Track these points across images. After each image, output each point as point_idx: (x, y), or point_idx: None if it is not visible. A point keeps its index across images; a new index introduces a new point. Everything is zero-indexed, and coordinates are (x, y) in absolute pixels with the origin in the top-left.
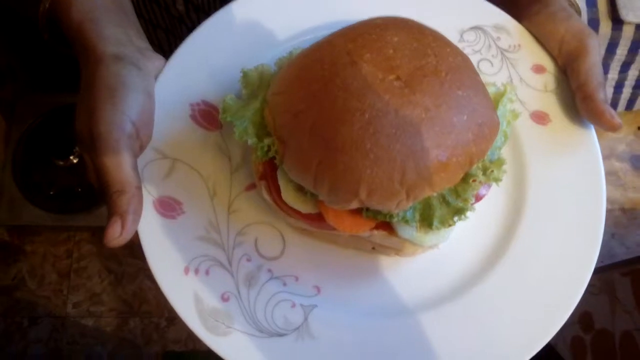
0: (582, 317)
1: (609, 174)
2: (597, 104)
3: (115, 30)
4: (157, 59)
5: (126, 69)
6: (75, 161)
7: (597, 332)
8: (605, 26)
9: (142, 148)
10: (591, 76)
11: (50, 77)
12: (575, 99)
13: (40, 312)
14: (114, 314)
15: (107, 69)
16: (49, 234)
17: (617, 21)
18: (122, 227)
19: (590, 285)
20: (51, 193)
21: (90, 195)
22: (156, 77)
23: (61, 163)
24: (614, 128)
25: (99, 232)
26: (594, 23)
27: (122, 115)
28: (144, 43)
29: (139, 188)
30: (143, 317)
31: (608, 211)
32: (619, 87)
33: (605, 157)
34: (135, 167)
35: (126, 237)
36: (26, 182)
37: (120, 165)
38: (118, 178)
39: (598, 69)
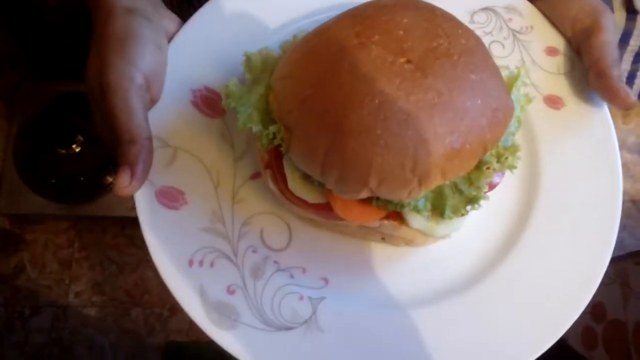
0: (593, 308)
1: None
2: (612, 81)
3: None
4: (171, 17)
5: (137, 21)
6: (77, 150)
7: (609, 322)
8: (620, 16)
9: (153, 101)
10: (605, 53)
11: (53, 64)
12: (589, 76)
13: (42, 301)
14: (116, 304)
15: (118, 21)
16: (50, 223)
17: (631, 11)
18: (132, 176)
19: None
20: (53, 181)
21: (92, 184)
22: (169, 39)
23: (63, 151)
24: (628, 106)
25: (100, 221)
26: None
27: (132, 66)
28: (157, 0)
29: (149, 139)
30: (145, 307)
31: None
32: (631, 77)
33: None
34: (145, 118)
35: (135, 186)
36: (28, 170)
37: (130, 115)
38: (128, 128)
39: (612, 46)
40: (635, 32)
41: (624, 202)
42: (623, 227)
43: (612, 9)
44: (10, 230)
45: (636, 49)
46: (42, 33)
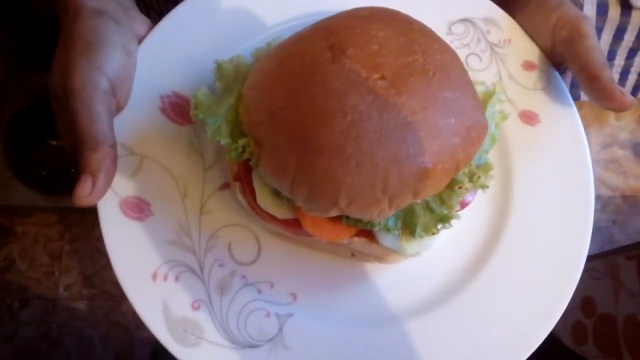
0: (584, 302)
1: (611, 161)
2: (605, 83)
3: None
4: (142, 20)
5: (105, 23)
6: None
7: (599, 316)
8: (614, 11)
9: (119, 108)
10: (593, 56)
11: (45, 55)
12: (580, 83)
13: (31, 294)
14: (106, 297)
15: (85, 22)
16: (40, 215)
17: (626, 6)
18: (93, 185)
19: (592, 269)
20: (43, 173)
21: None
22: (140, 41)
23: (54, 143)
24: (625, 106)
25: (90, 214)
26: (603, 8)
27: (97, 70)
28: (129, 1)
29: (113, 147)
30: None
31: (609, 198)
32: (624, 73)
33: (607, 145)
34: (110, 125)
35: (96, 196)
36: (18, 162)
37: (94, 121)
38: (90, 135)
39: (598, 50)
40: (630, 28)
41: (614, 197)
42: (613, 222)
43: (607, 4)
44: (0, 222)
45: (630, 44)
46: (33, 24)
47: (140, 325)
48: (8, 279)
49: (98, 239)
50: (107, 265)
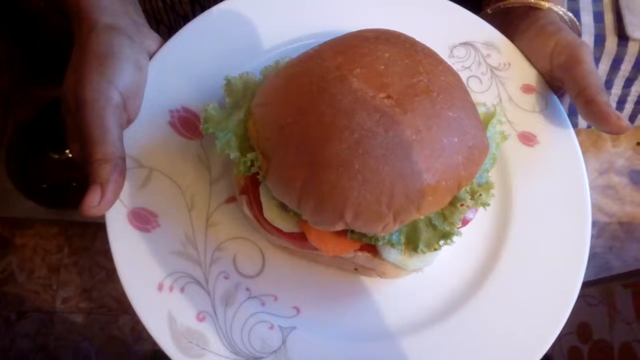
0: (579, 328)
1: (608, 187)
2: (602, 107)
3: (112, 2)
4: (153, 37)
5: (118, 39)
6: (70, 155)
7: (595, 342)
8: (611, 42)
9: (129, 121)
10: (590, 81)
11: (49, 69)
12: (577, 107)
13: (29, 306)
14: (104, 311)
15: (99, 37)
16: (40, 228)
17: (623, 37)
18: (102, 196)
19: (588, 296)
20: (44, 186)
21: (84, 190)
22: (151, 57)
23: (56, 156)
24: (621, 130)
25: (91, 228)
26: (600, 39)
27: (109, 84)
28: (141, 19)
29: (123, 159)
30: (133, 315)
31: (606, 224)
32: (621, 102)
33: (604, 171)
34: (120, 138)
35: (104, 207)
36: (20, 174)
37: (104, 133)
38: (101, 146)
39: (596, 75)
40: (626, 58)
41: (611, 224)
42: (609, 249)
43: (604, 35)
44: (0, 233)
45: (627, 74)
46: (38, 37)
47: (137, 339)
48: (5, 291)
49: (97, 252)
50: (105, 279)
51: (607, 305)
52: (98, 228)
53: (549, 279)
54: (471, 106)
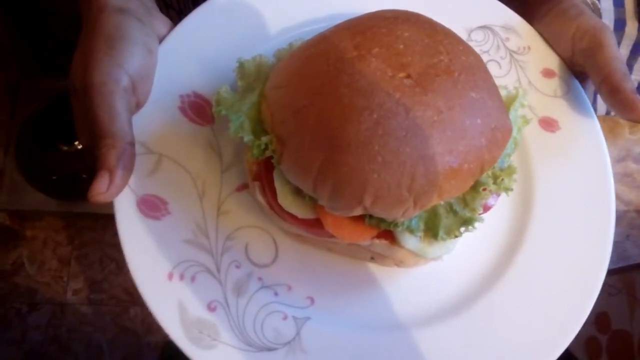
0: (598, 318)
1: (625, 175)
2: (627, 94)
3: None
4: (163, 21)
5: (128, 21)
6: (79, 147)
7: (613, 332)
8: (632, 27)
9: (138, 105)
10: (614, 68)
11: (57, 60)
12: (601, 94)
13: (40, 298)
14: (115, 302)
15: (108, 19)
16: (50, 220)
17: None
18: (110, 182)
19: (608, 285)
20: (54, 178)
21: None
22: (161, 40)
23: (65, 148)
24: None
25: (101, 219)
26: (620, 23)
27: (118, 67)
28: (150, 2)
29: (132, 144)
30: (144, 306)
31: (623, 212)
32: None
33: (622, 159)
34: (129, 122)
35: (112, 193)
36: (29, 166)
37: (113, 117)
38: (109, 131)
39: (620, 61)
40: None
41: (628, 212)
42: (627, 237)
43: (624, 19)
44: (10, 226)
45: None
46: (46, 28)
47: (148, 330)
48: (17, 283)
49: (107, 244)
50: (115, 271)
51: (626, 294)
52: (108, 220)
53: (572, 269)
54: (493, 87)
